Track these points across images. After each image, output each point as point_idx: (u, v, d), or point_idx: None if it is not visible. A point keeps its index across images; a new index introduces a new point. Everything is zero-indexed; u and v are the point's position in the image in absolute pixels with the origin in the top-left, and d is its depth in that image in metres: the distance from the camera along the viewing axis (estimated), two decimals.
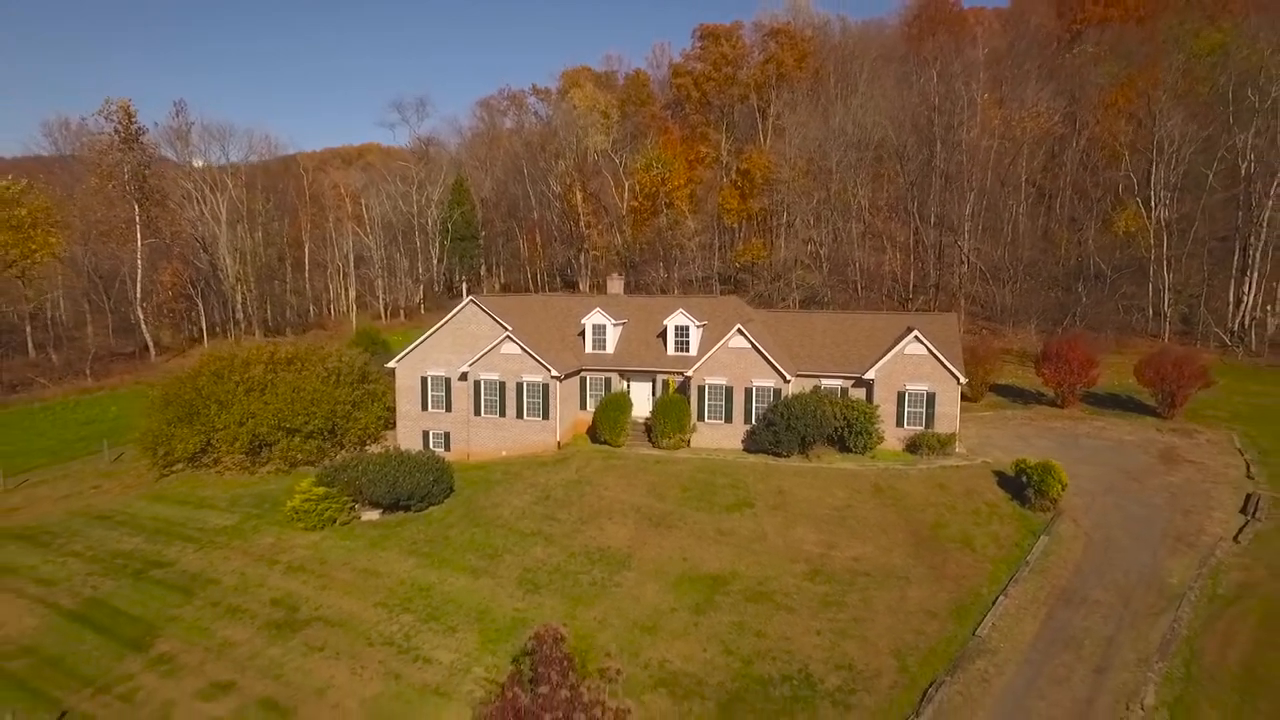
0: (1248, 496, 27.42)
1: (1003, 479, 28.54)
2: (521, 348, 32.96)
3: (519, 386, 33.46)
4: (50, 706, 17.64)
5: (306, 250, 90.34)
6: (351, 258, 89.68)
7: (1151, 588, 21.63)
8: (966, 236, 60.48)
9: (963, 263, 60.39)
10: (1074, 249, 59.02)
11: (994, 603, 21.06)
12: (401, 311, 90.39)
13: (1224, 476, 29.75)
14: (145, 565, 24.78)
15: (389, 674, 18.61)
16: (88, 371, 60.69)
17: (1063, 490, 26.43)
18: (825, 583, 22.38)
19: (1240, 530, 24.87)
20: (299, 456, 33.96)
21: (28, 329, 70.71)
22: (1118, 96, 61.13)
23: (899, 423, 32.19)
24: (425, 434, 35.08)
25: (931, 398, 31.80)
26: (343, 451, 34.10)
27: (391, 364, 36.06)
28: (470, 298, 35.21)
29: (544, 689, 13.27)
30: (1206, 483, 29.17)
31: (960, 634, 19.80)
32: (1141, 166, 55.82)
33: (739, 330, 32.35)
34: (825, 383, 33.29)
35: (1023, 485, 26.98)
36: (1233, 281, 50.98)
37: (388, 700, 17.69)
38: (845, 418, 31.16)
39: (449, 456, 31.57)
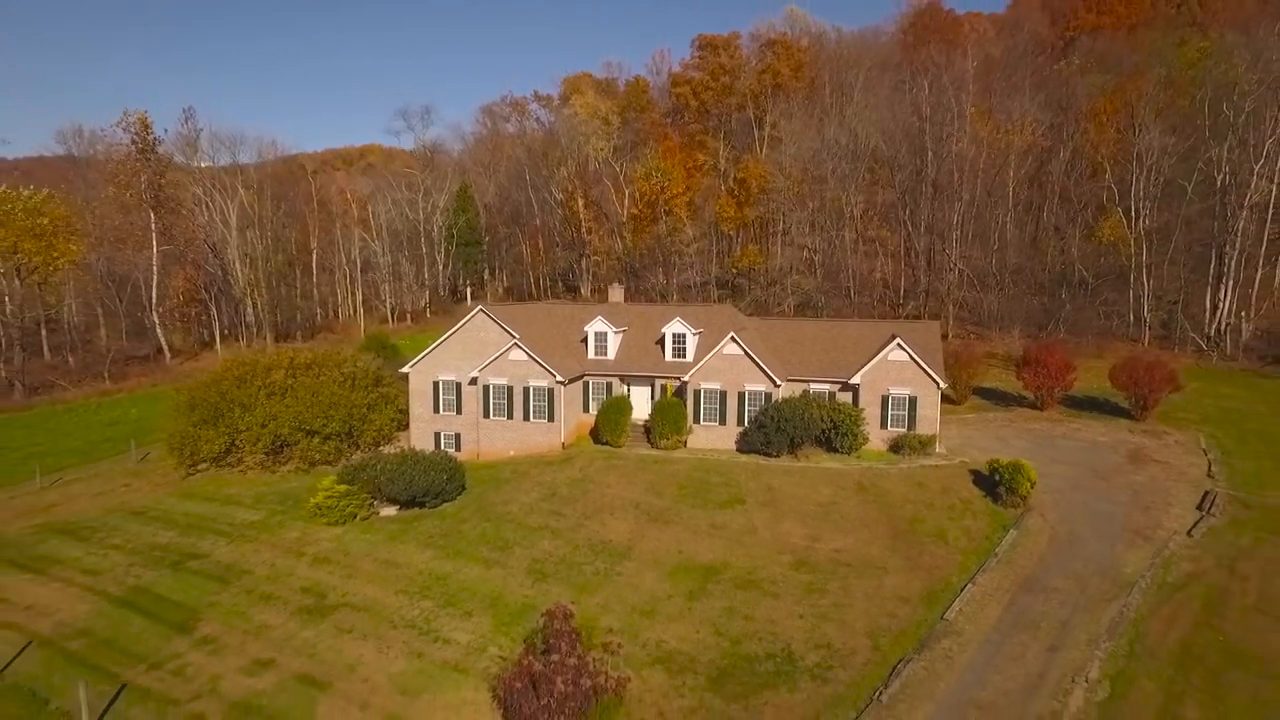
0: (1205, 494, 29.47)
1: (978, 477, 30.55)
2: (528, 354, 34.98)
3: (526, 391, 35.51)
4: (111, 680, 19.64)
5: (314, 256, 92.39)
6: (358, 263, 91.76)
7: (1107, 577, 23.64)
8: (955, 244, 62.56)
9: (951, 269, 62.43)
10: (1058, 256, 61.08)
11: (962, 590, 23.12)
12: (408, 315, 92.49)
13: (1186, 475, 31.79)
14: (182, 557, 26.80)
15: (412, 653, 20.62)
16: (106, 375, 62.71)
17: (1032, 488, 28.46)
18: (809, 572, 24.38)
19: (1194, 525, 26.87)
20: (317, 456, 36.01)
21: (43, 333, 72.83)
22: (1105, 105, 63.19)
23: (883, 425, 34.23)
24: (437, 435, 37.12)
25: (913, 401, 33.83)
26: (358, 452, 36.13)
27: (405, 369, 38.14)
28: (480, 307, 37.31)
29: (555, 657, 15.27)
30: (1169, 481, 31.22)
31: (930, 618, 21.81)
32: (1124, 177, 57.86)
33: (732, 338, 34.39)
34: (814, 387, 35.29)
35: (996, 483, 29.02)
36: (1209, 289, 53.03)
37: (412, 675, 19.67)
38: (832, 420, 33.16)
39: (460, 456, 33.64)
